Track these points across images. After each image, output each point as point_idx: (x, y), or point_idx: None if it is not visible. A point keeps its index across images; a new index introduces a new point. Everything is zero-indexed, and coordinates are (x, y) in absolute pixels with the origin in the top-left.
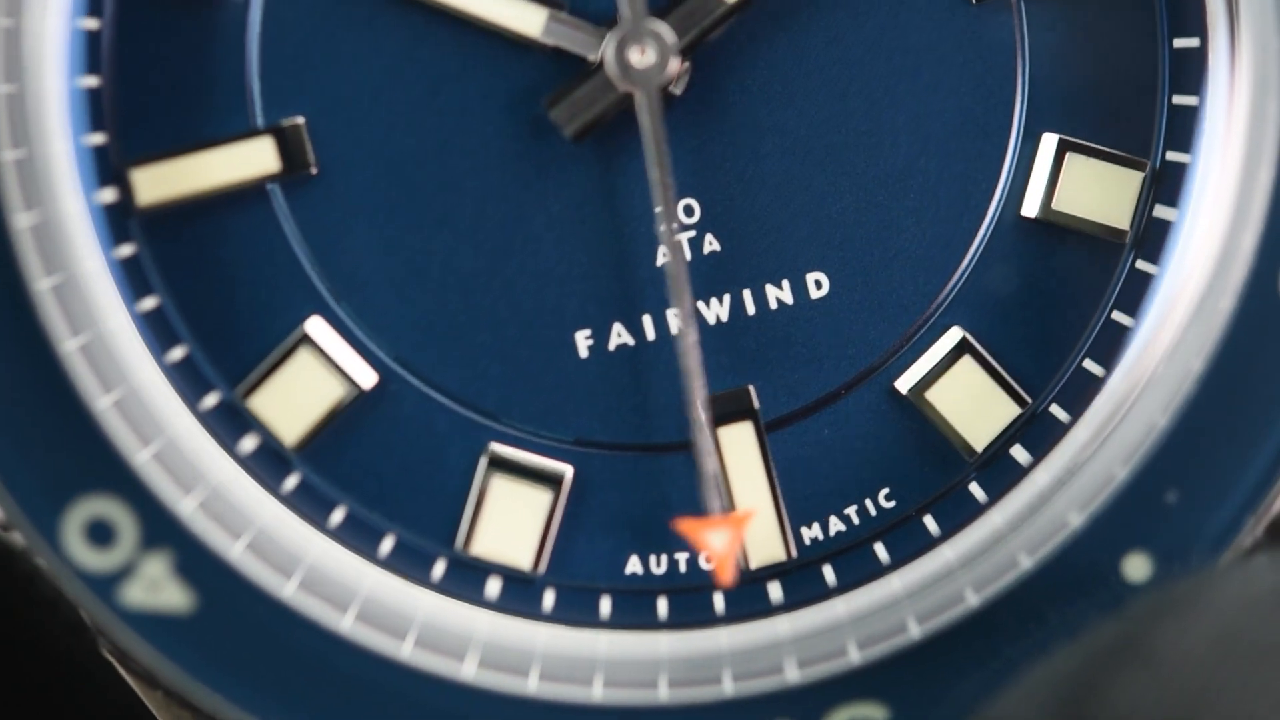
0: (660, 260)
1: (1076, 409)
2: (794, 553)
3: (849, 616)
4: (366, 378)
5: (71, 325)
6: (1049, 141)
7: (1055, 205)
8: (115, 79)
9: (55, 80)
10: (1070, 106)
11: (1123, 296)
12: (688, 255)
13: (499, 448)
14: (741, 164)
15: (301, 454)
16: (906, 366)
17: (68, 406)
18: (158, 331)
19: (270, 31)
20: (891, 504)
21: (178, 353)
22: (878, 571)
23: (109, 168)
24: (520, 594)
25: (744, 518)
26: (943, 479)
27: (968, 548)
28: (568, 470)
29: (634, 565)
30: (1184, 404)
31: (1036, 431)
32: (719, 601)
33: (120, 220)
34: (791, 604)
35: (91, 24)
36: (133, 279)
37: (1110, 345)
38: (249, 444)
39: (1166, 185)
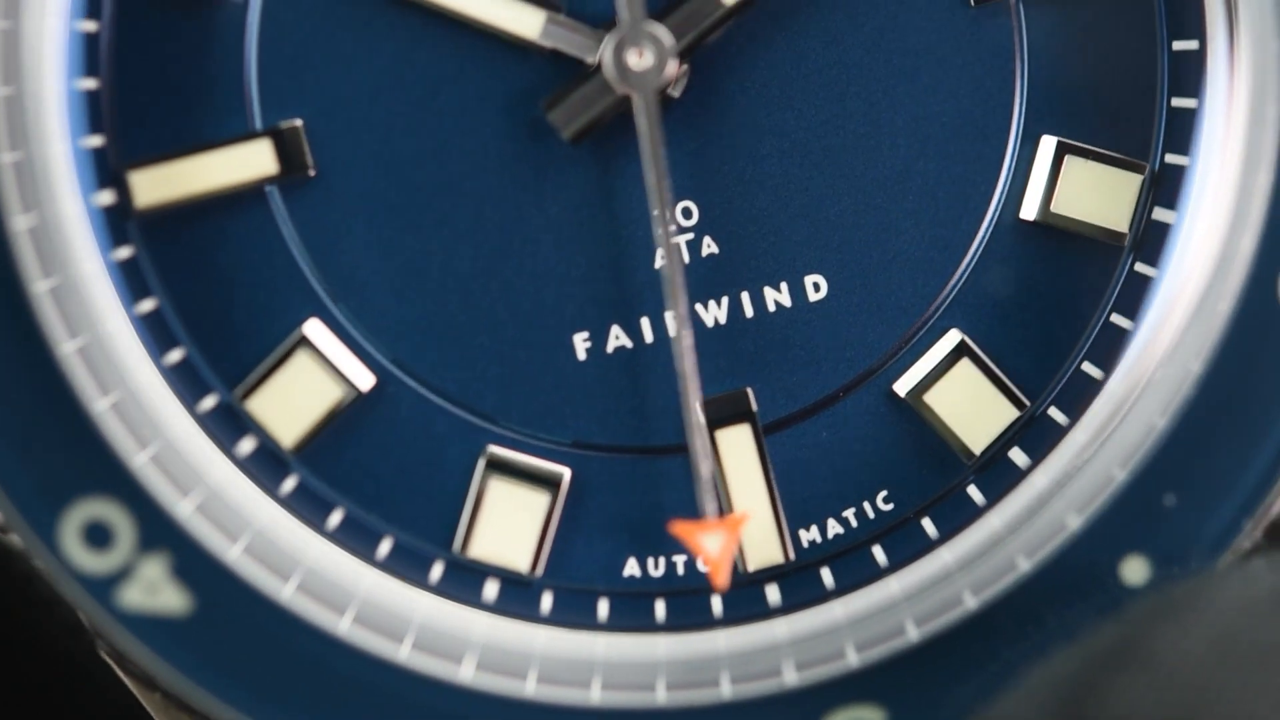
0: (658, 263)
1: (1075, 412)
2: (792, 555)
3: (847, 619)
4: (364, 380)
5: (69, 327)
6: (1048, 144)
7: (1054, 208)
8: (113, 81)
9: (53, 82)
10: (1069, 109)
11: (1121, 299)
12: (686, 258)
13: (497, 450)
14: (740, 166)
15: (299, 456)
16: (905, 369)
17: (66, 408)
18: (156, 333)
19: (268, 34)
20: (890, 507)
21: (176, 355)
22: (876, 574)
23: (107, 170)
24: (518, 596)
25: (739, 521)
26: (941, 482)
27: (966, 550)
28: (566, 472)
29: (632, 567)
30: (1182, 406)
31: (1035, 434)
32: (717, 604)
33: (118, 222)
34: (789, 606)
35: (90, 26)
36: (131, 281)
37: (1109, 348)
38: (247, 446)
39: (1165, 188)
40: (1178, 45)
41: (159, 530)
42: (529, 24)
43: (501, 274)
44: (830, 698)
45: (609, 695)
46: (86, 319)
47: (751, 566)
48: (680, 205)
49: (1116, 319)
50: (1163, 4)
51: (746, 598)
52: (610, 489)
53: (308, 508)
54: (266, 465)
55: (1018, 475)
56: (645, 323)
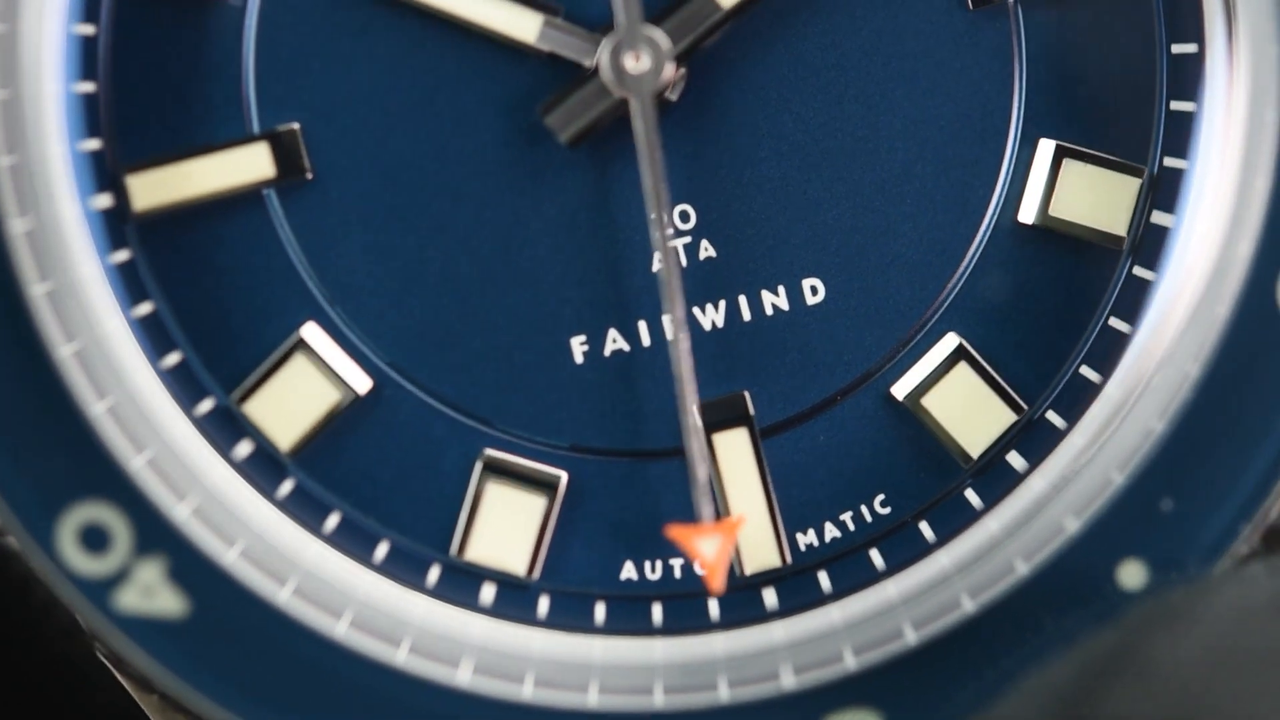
0: (656, 266)
1: (1073, 415)
2: (789, 559)
3: (844, 622)
4: (362, 383)
5: (67, 330)
6: (1046, 147)
7: (1052, 211)
8: (111, 85)
9: (51, 85)
10: (1068, 112)
11: (1120, 303)
12: (683, 261)
13: (494, 453)
14: (737, 170)
15: (296, 459)
16: (902, 373)
17: (63, 412)
18: (153, 337)
19: (266, 37)
20: (887, 510)
21: (173, 358)
22: (873, 578)
23: (105, 173)
24: (515, 600)
25: (735, 525)
26: (938, 485)
27: (963, 554)
28: (563, 476)
29: (629, 571)
30: (1181, 410)
31: (1033, 438)
32: (714, 607)
33: (116, 226)
34: (787, 610)
35: (87, 29)
36: (128, 284)
37: (1107, 352)
38: (244, 449)
39: (1164, 191)
40: (1177, 48)
41: (155, 533)
42: (526, 27)
43: (499, 277)
44: (828, 701)
45: (606, 699)
46: (84, 322)
47: (748, 570)
48: (678, 208)
49: (1115, 323)
50: (1162, 7)
51: (744, 601)
52: (607, 492)
53: (305, 511)
54: (263, 468)
55: (1015, 479)
56: (643, 326)
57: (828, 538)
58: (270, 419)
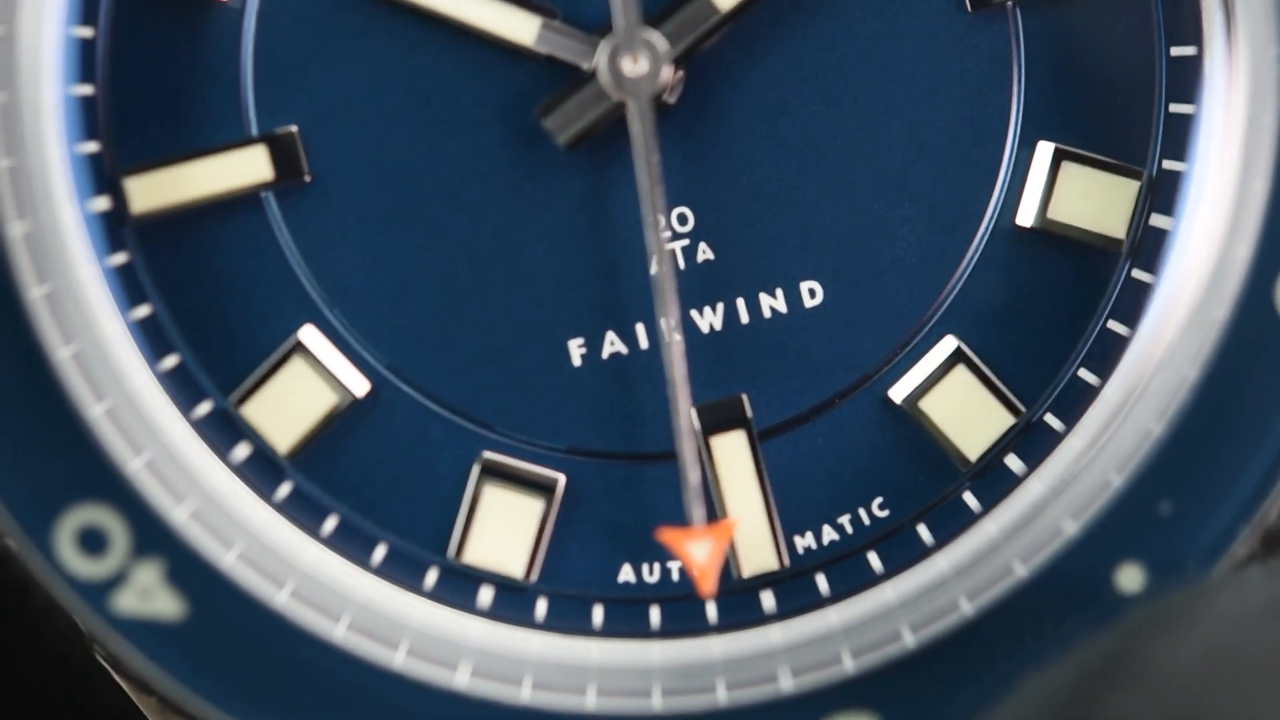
0: (653, 269)
1: (1071, 418)
2: (787, 562)
3: (842, 625)
4: (359, 386)
5: (65, 333)
6: (1044, 150)
7: (1051, 214)
8: (109, 87)
9: (49, 88)
10: (1066, 115)
11: (1118, 306)
12: (681, 264)
13: (492, 456)
14: (735, 172)
15: (294, 462)
16: (900, 375)
17: (61, 414)
18: (151, 339)
19: (264, 40)
20: (885, 513)
21: (171, 361)
22: (871, 580)
23: (103, 176)
24: (513, 602)
25: (727, 528)
26: (936, 488)
27: (961, 557)
28: (560, 478)
29: (626, 574)
30: (1179, 413)
31: (1031, 441)
32: (712, 610)
33: (114, 228)
34: (785, 613)
35: (85, 32)
36: (126, 287)
37: (1105, 355)
38: (242, 452)
39: (1163, 194)
40: (1175, 51)
41: (153, 536)
42: (524, 30)
43: (497, 280)
44: (826, 704)
45: (604, 701)
46: (82, 325)
47: (746, 573)
48: (676, 211)
49: (1113, 325)
50: (1160, 9)
51: (741, 604)
52: (605, 495)
53: (302, 513)
54: (261, 471)
55: (1013, 482)
56: (640, 329)
57: (826, 540)
58: (268, 421)
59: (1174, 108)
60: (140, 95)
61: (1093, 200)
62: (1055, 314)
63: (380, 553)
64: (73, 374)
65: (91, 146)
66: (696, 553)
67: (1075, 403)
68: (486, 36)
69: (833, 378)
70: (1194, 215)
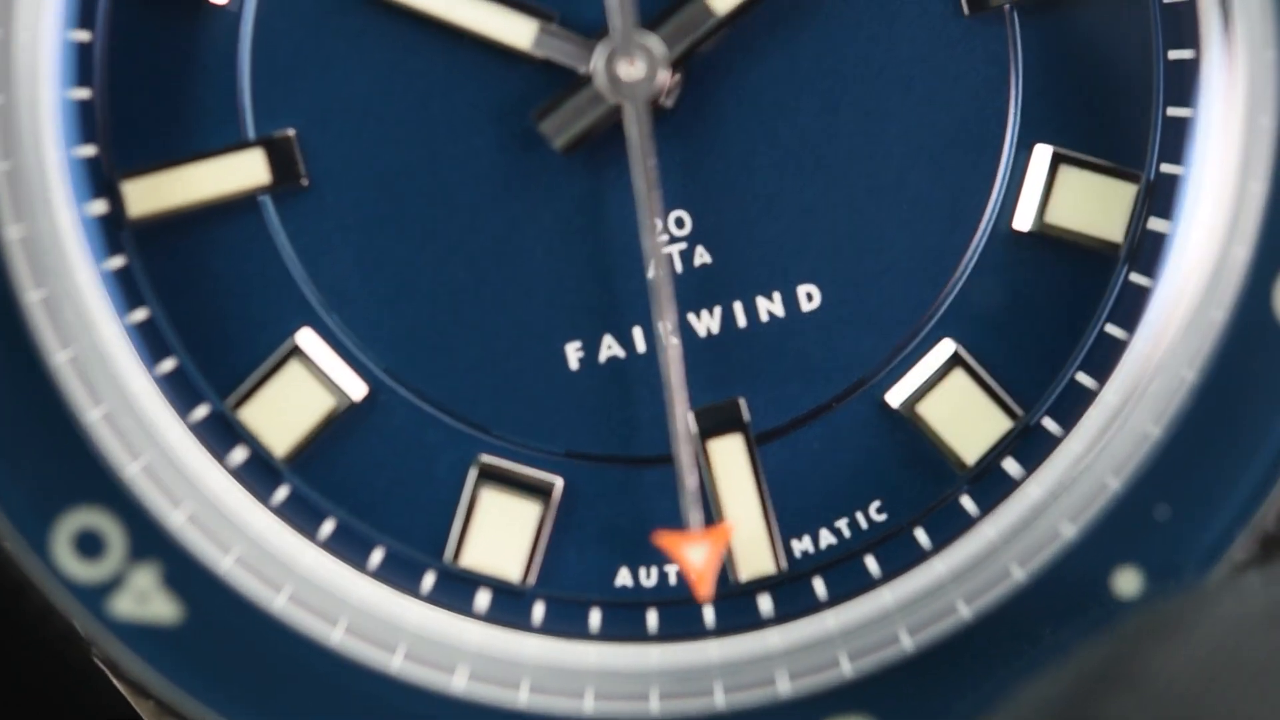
0: (650, 273)
1: (1069, 422)
2: (784, 565)
3: (840, 629)
4: (357, 389)
5: (62, 337)
6: (1042, 153)
7: (1048, 218)
8: (106, 91)
9: (46, 92)
10: (1064, 118)
11: (1116, 309)
12: (678, 267)
13: (489, 459)
14: (733, 176)
15: (291, 465)
16: (898, 379)
17: (58, 418)
18: (148, 343)
19: (261, 44)
20: (883, 517)
21: (168, 364)
22: (869, 584)
23: (100, 180)
24: (510, 606)
25: (724, 532)
26: (934, 492)
27: (959, 560)
28: (558, 482)
29: (624, 577)
30: (1177, 416)
31: (1028, 444)
32: (709, 614)
33: (111, 232)
34: (782, 617)
35: (83, 36)
36: (123, 291)
37: (1103, 358)
38: (239, 455)
39: (1160, 197)
40: (1173, 54)
41: (150, 540)
42: (521, 34)
43: (494, 283)
44: (824, 707)
45: (602, 705)
46: (79, 328)
47: (744, 576)
48: (673, 215)
49: (1111, 329)
50: (1159, 13)
51: (739, 608)
52: (602, 498)
53: (299, 517)
54: (258, 475)
55: (1011, 485)
56: (638, 332)
57: (823, 544)
58: (265, 425)
59: (1172, 111)
60: (137, 99)
61: (1090, 204)
62: (1053, 317)
63: (377, 556)
64: (70, 378)
65: (89, 150)
66: (693, 557)
67: (1073, 406)
68: (483, 40)
69: (830, 381)
70: (1192, 218)
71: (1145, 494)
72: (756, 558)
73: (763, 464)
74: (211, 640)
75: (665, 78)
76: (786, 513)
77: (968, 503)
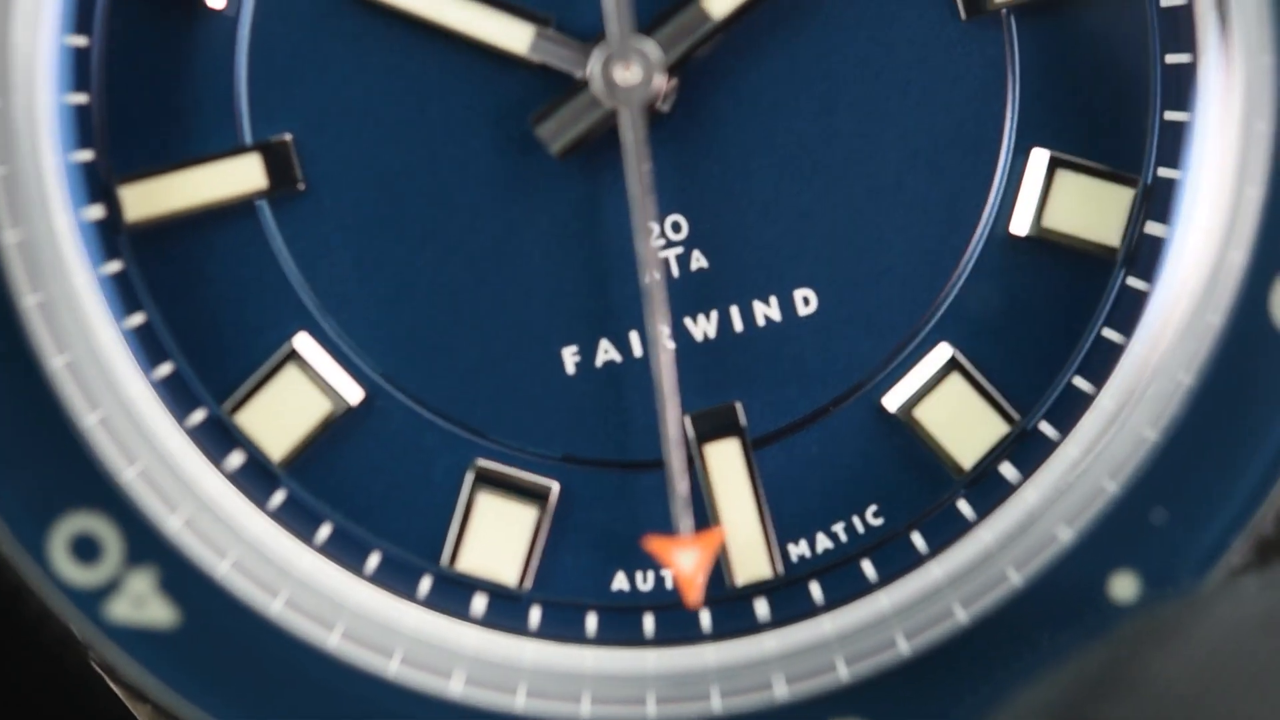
0: (644, 278)
1: (1066, 426)
2: (781, 570)
3: (836, 633)
4: (354, 393)
5: (58, 342)
6: (1039, 157)
7: (1045, 222)
8: (103, 96)
9: (43, 97)
10: (1061, 122)
11: (1113, 313)
12: (675, 272)
13: (486, 464)
14: (729, 181)
15: (288, 470)
16: (894, 383)
17: (54, 423)
18: (145, 348)
19: (258, 48)
20: (879, 521)
21: (165, 369)
22: (865, 588)
23: (97, 184)
24: (506, 610)
25: (715, 538)
26: (931, 496)
27: (956, 565)
28: (554, 486)
29: (620, 582)
30: (1174, 420)
31: (1025, 449)
32: (705, 618)
33: (108, 236)
34: (778, 621)
35: (80, 41)
36: (120, 295)
37: (1100, 362)
38: (236, 460)
39: (1158, 201)
40: (1171, 59)
41: (146, 544)
42: (518, 38)
43: (490, 288)
44: (821, 711)
45: (599, 709)
46: (76, 333)
47: (740, 581)
48: (670, 219)
49: (1108, 333)
50: (1156, 17)
51: (735, 612)
52: (599, 503)
53: (296, 521)
54: (255, 479)
55: (1008, 490)
56: (634, 336)
57: (819, 548)
58: (262, 430)
59: (1169, 115)
60: (135, 103)
61: (1087, 208)
62: (1050, 322)
63: (374, 560)
64: (67, 383)
65: (86, 155)
66: (683, 562)
67: (1070, 410)
68: (480, 45)
69: (827, 385)
70: (1189, 222)
71: (1142, 498)
72: (753, 562)
73: (759, 468)
74: (208, 644)
75: (661, 82)
76: (783, 517)
77: (964, 507)
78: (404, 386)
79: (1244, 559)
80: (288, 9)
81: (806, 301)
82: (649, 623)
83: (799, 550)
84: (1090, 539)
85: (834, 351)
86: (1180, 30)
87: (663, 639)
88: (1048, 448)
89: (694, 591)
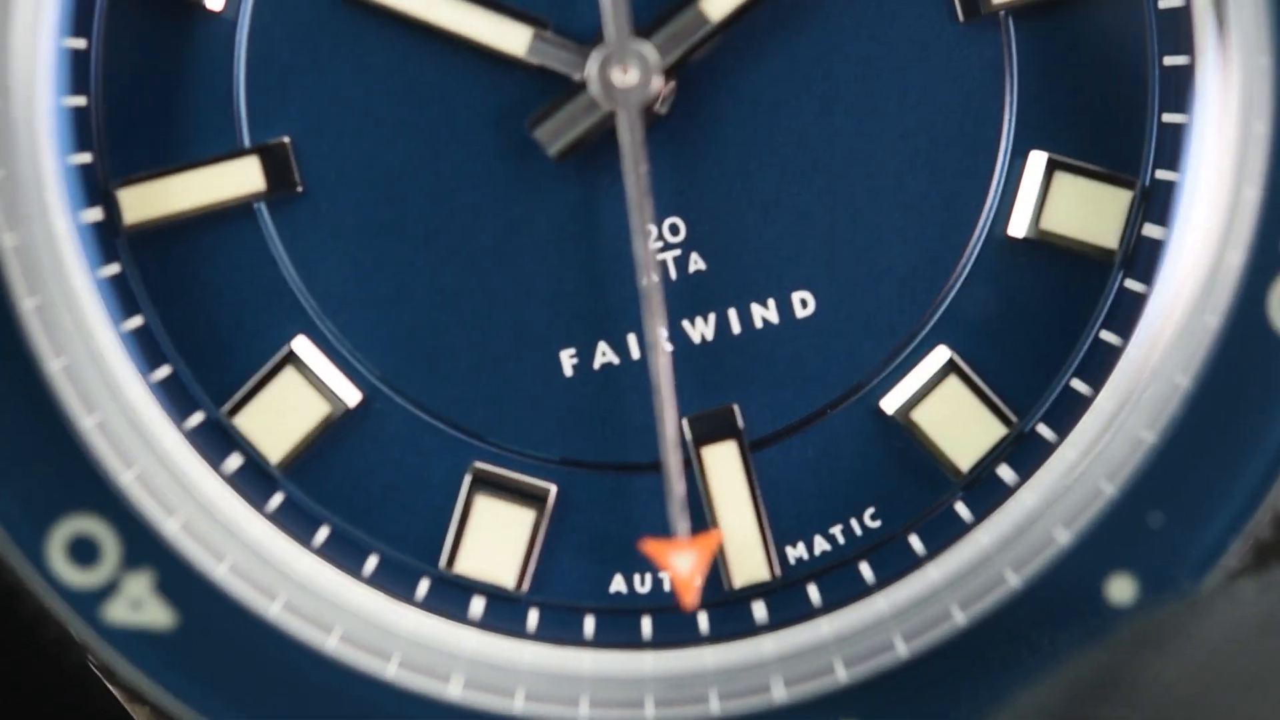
0: (642, 280)
1: (1064, 428)
2: (778, 572)
3: (834, 636)
4: (352, 396)
5: (56, 345)
6: (1037, 160)
7: (1043, 224)
8: (102, 98)
9: (42, 99)
10: (1059, 124)
11: (1111, 315)
12: (673, 274)
13: (483, 466)
14: (727, 183)
15: (286, 472)
16: (892, 386)
17: (53, 426)
18: (143, 350)
19: (256, 51)
20: (877, 523)
21: (163, 371)
22: (863, 591)
23: (95, 187)
24: (504, 613)
25: (711, 540)
26: (928, 498)
27: (954, 567)
28: (552, 489)
29: (618, 584)
30: (1171, 422)
31: (1023, 451)
32: (703, 621)
33: (107, 239)
34: (776, 623)
35: (78, 43)
36: (119, 298)
37: (1098, 364)
38: (234, 462)
39: (1156, 204)
40: (1168, 60)
41: (144, 546)
42: (516, 41)
43: (488, 290)
44: (819, 714)
45: (597, 712)
46: (74, 336)
47: (737, 583)
48: (668, 221)
49: (1106, 335)
50: (1154, 19)
51: (733, 615)
52: (596, 505)
53: (294, 524)
54: (253, 481)
55: (1006, 492)
56: (632, 339)
57: (817, 551)
58: (260, 432)
59: (1167, 117)
60: (133, 106)
61: (1085, 210)
62: (1048, 324)
63: (372, 563)
64: (65, 385)
65: (84, 157)
66: (679, 564)
67: (1067, 413)
68: (478, 47)
69: (824, 388)
70: (1187, 224)
71: (1140, 501)
72: (750, 564)
73: (757, 471)
74: (206, 646)
75: (659, 85)
76: (781, 519)
77: (962, 509)
78: (402, 389)
79: (1242, 562)
80: (286, 12)
81: (804, 304)
82: (647, 625)
83: (797, 552)
84: (1088, 541)
85: (832, 354)
86: (1178, 32)
87: (661, 641)
88: (1045, 450)
89: (690, 594)
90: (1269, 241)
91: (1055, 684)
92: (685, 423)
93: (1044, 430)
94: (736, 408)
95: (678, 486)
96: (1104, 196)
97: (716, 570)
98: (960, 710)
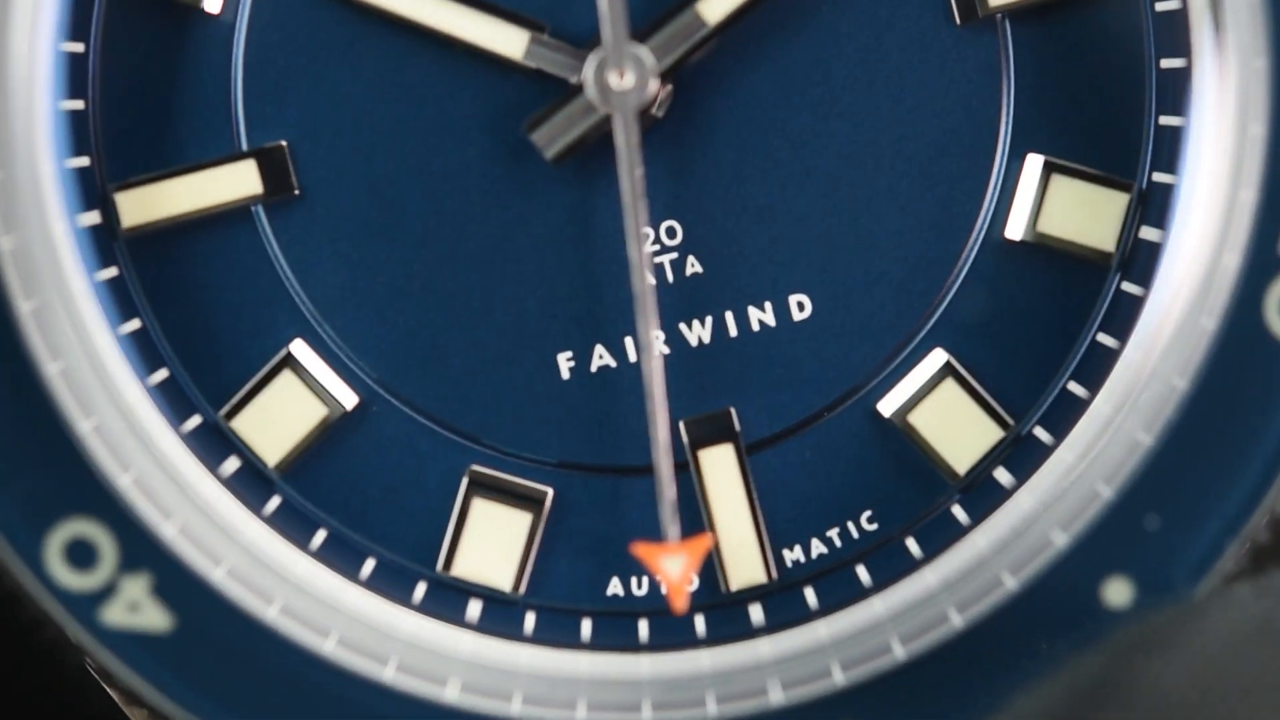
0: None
1: (1060, 431)
2: (775, 575)
3: (831, 639)
4: (349, 399)
5: (54, 348)
6: (1034, 163)
7: (1040, 227)
8: (100, 102)
9: (39, 103)
10: (1056, 127)
11: (1108, 318)
12: (670, 277)
13: (480, 469)
14: (724, 186)
15: (283, 475)
16: (889, 389)
17: (50, 429)
18: (141, 354)
19: (254, 55)
20: (874, 526)
21: (160, 375)
22: (860, 594)
23: (93, 190)
24: (501, 615)
25: (702, 544)
26: (925, 501)
27: (951, 570)
28: (549, 492)
29: (615, 587)
30: (1168, 424)
31: (1020, 454)
32: (700, 623)
33: (104, 242)
34: (773, 626)
35: (76, 47)
36: (116, 301)
37: (1095, 367)
38: (231, 465)
39: (1152, 206)
40: (1165, 63)
41: (142, 550)
42: (513, 44)
43: (485, 293)
44: (817, 716)
45: (594, 715)
46: (71, 339)
47: (734, 586)
48: (665, 225)
49: (1102, 338)
50: (1150, 22)
51: (730, 617)
52: (593, 508)
53: (291, 527)
54: (250, 485)
55: (1003, 495)
56: (629, 342)
57: (814, 554)
58: (257, 435)
59: (1163, 120)
60: (130, 110)
61: (1082, 213)
62: (1045, 327)
63: (369, 566)
64: (62, 389)
65: (82, 161)
66: (669, 568)
67: (1064, 415)
68: (475, 50)
69: (821, 391)
70: (1183, 227)
71: (1137, 503)
72: (747, 567)
73: (754, 473)
74: (204, 650)
75: (655, 88)
76: (778, 522)
77: (959, 512)
78: (399, 392)
79: (1238, 565)
80: (283, 15)
81: (801, 307)
82: (643, 628)
83: (793, 555)
84: (1084, 544)
85: (828, 357)
86: (1175, 35)
87: (658, 644)
88: (1042, 453)
89: (681, 598)
90: (1265, 244)
91: (1053, 688)
92: (682, 425)
93: (1041, 433)
94: (733, 410)
95: (669, 490)
96: (1101, 199)
97: (713, 573)
98: (958, 713)
